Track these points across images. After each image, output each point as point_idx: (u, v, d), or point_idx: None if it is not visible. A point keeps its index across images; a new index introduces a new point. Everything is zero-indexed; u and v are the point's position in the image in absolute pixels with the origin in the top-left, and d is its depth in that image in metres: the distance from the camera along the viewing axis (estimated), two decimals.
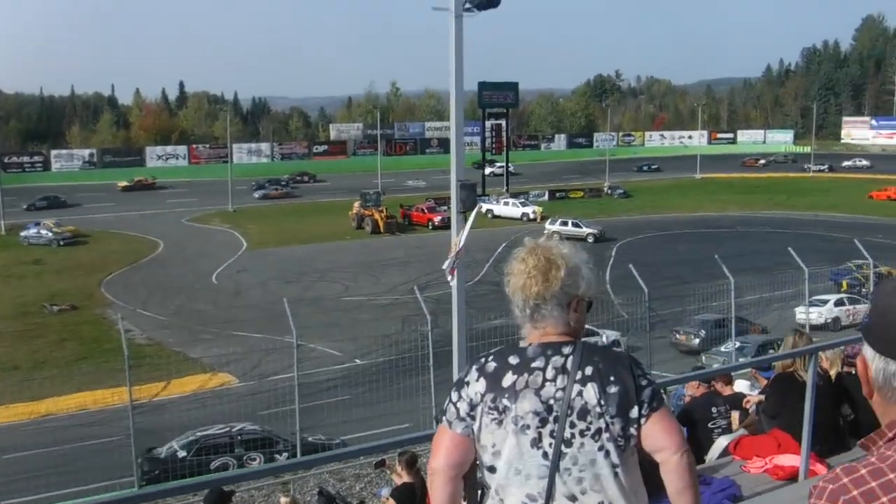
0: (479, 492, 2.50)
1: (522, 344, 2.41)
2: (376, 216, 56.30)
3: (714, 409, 6.18)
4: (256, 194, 74.54)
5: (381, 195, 60.49)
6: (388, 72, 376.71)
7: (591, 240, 49.66)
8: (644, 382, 2.34)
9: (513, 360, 2.35)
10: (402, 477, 7.91)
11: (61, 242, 53.16)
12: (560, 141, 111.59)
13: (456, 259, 13.79)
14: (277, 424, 19.32)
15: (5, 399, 25.53)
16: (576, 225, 51.61)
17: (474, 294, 22.99)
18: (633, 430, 2.30)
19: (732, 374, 7.71)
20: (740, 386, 7.76)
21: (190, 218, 63.76)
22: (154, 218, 63.29)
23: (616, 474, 2.29)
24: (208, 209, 67.29)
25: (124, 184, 75.68)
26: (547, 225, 51.56)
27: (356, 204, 58.63)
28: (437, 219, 55.89)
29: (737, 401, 6.30)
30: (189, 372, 27.54)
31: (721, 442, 5.67)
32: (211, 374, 27.77)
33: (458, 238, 13.69)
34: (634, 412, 2.29)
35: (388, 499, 7.98)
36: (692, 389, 6.94)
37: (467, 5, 13.20)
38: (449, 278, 14.05)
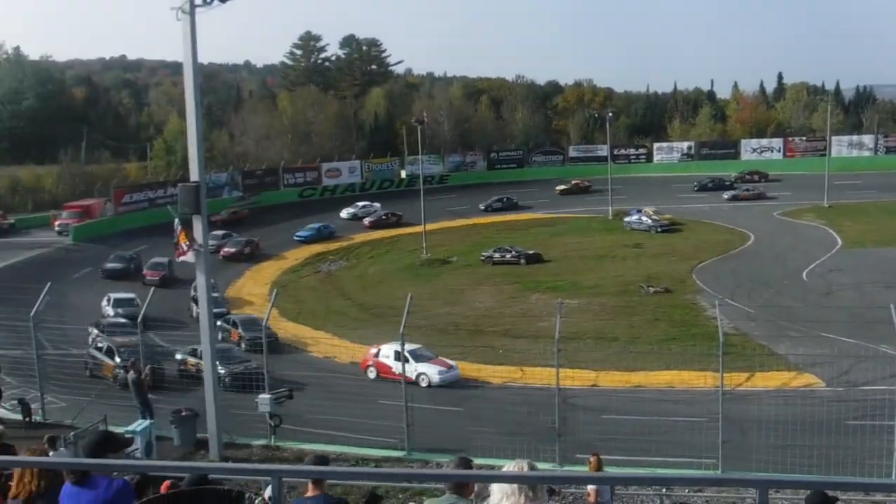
0: None
1: None
2: None
3: None
4: (725, 195, 70.68)
5: None
6: None
7: None
8: None
9: None
10: None
11: (659, 229, 57.53)
12: None
13: None
14: (869, 438, 18.37)
15: (606, 365, 29.04)
16: None
17: None
18: None
19: None
20: None
21: (782, 212, 62.91)
22: (745, 210, 64.02)
23: None
24: (802, 203, 65.44)
25: (560, 188, 77.20)
26: None
27: None
28: None
29: None
30: (774, 367, 27.75)
31: None
32: (796, 373, 27.55)
33: None
34: None
35: None
36: None
37: None
38: None
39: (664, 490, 13.74)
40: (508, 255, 50.54)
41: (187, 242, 16.62)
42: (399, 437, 18.70)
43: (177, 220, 17.12)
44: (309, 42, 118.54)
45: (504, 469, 5.02)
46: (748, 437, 19.69)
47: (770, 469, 16.80)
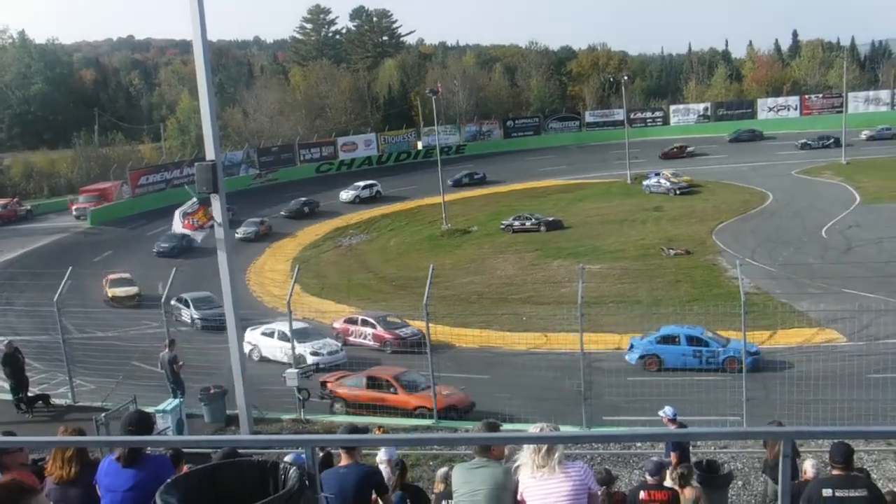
0: None
1: None
2: None
3: None
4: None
5: None
6: None
7: None
8: None
9: None
10: None
11: (677, 192, 57.56)
12: None
13: None
14: (891, 391, 18.71)
15: (630, 328, 29.26)
16: None
17: None
18: None
19: None
20: None
21: (800, 170, 62.66)
22: (763, 170, 63.79)
23: None
24: (819, 161, 65.14)
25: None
26: None
27: None
28: None
29: None
30: (795, 324, 28.07)
31: None
32: (818, 330, 27.81)
33: None
34: None
35: None
36: None
37: None
38: None
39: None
40: (528, 223, 50.80)
41: (202, 220, 16.86)
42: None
43: (194, 199, 17.19)
44: (318, 15, 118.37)
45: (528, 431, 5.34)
46: (772, 394, 20.07)
47: (793, 424, 17.18)
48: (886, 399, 17.78)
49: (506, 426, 16.08)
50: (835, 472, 6.66)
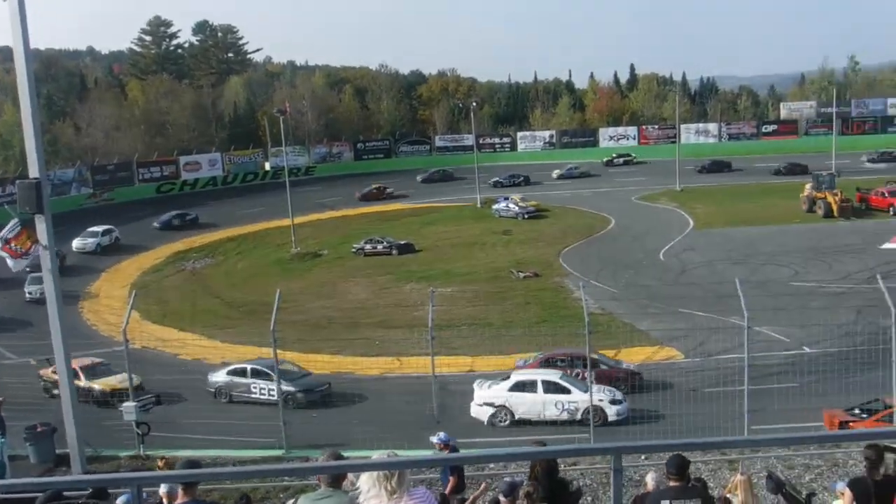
0: None
1: None
2: (830, 199, 52.53)
3: None
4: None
5: (835, 177, 56.11)
6: (845, 45, 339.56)
7: None
8: None
9: None
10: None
11: (526, 216, 59.01)
12: None
13: None
14: (723, 403, 19.65)
15: (482, 351, 29.54)
16: None
17: None
18: None
19: None
20: None
21: (639, 196, 65.85)
22: (606, 195, 66.52)
23: None
24: (656, 188, 68.74)
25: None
26: None
27: (808, 186, 55.35)
28: None
29: None
30: (638, 343, 29.10)
31: None
32: (658, 347, 29.03)
33: None
34: None
35: (843, 492, 7.65)
36: None
37: None
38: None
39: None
40: (380, 246, 50.57)
41: (22, 246, 15.28)
42: (278, 436, 18.49)
43: (15, 221, 15.62)
44: (159, 28, 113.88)
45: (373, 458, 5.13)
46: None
47: (637, 437, 17.74)
48: (720, 411, 18.62)
49: (351, 453, 15.69)
50: (671, 483, 6.94)
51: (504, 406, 22.42)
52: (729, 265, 40.33)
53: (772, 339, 27.09)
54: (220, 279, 47.98)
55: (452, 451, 11.63)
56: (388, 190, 72.21)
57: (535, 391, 22.54)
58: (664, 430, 18.23)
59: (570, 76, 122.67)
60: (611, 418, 21.77)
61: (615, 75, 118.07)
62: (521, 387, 22.67)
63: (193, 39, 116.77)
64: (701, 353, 26.99)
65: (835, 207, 51.97)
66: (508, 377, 23.23)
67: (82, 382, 24.91)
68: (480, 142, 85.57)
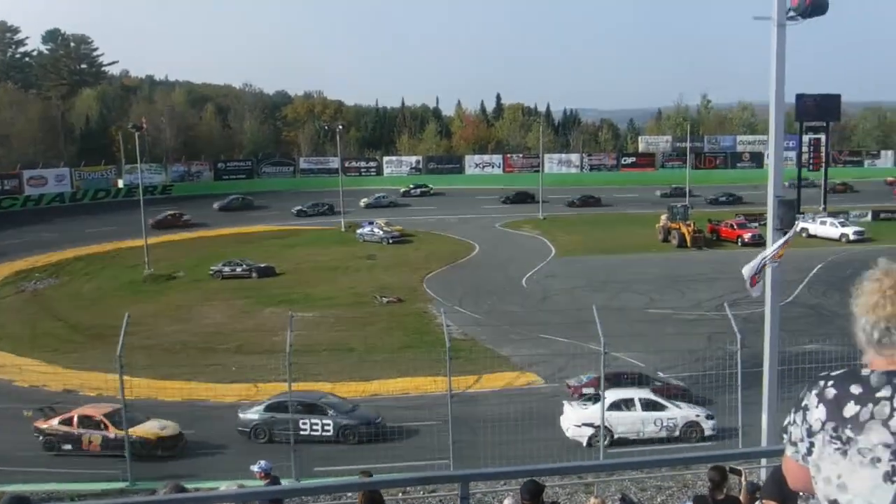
0: None
1: (864, 371, 2.23)
2: (683, 230, 55.29)
3: None
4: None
5: (689, 209, 59.20)
6: (698, 84, 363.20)
7: None
8: None
9: (855, 389, 2.20)
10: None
11: (390, 241, 58.74)
12: (887, 157, 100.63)
13: (760, 269, 13.50)
14: None
15: (343, 377, 28.96)
16: None
17: (787, 316, 21.96)
18: None
19: None
20: None
21: (503, 223, 67.00)
22: (471, 222, 67.34)
23: None
24: (519, 216, 70.19)
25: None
26: None
27: (663, 217, 58.06)
28: (747, 235, 53.67)
29: None
30: (499, 369, 29.22)
31: None
32: (519, 373, 29.23)
33: (770, 250, 13.42)
34: None
35: None
36: None
37: (791, 13, 12.73)
38: (748, 286, 13.76)
39: (400, 493, 13.83)
40: (239, 269, 48.91)
41: None
42: (124, 467, 17.32)
43: None
44: (4, 33, 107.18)
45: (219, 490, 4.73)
46: (478, 436, 20.55)
47: (499, 462, 17.62)
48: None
49: (200, 485, 14.82)
50: None
51: (602, 426, 21.21)
52: (589, 292, 41.33)
53: (628, 364, 27.75)
54: (65, 301, 44.98)
55: (273, 482, 11.12)
56: (185, 217, 67.54)
57: (634, 409, 22.51)
58: (521, 455, 18.17)
59: (437, 103, 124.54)
60: (707, 433, 22.08)
61: (482, 104, 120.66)
62: (618, 406, 22.34)
63: (43, 48, 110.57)
64: (560, 379, 27.35)
65: (688, 238, 54.64)
66: (595, 397, 22.37)
67: (111, 433, 21.68)
68: (346, 165, 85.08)
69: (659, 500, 14.28)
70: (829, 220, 57.56)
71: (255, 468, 11.46)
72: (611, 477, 14.56)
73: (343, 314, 39.34)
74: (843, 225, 57.54)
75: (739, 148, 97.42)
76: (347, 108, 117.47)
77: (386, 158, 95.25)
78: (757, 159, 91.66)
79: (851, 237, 55.25)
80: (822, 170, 63.07)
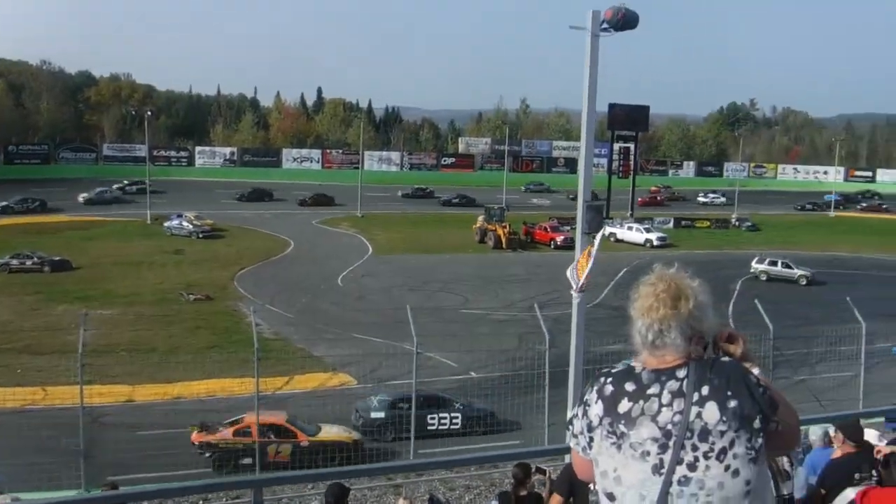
0: None
1: (637, 369, 2.39)
2: (499, 231, 56.77)
3: (857, 476, 5.35)
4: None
5: (505, 211, 60.91)
6: (518, 89, 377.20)
7: (803, 282, 47.10)
8: (761, 390, 2.33)
9: (629, 386, 2.34)
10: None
11: (200, 235, 56.35)
12: (689, 168, 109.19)
13: (584, 281, 13.95)
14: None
15: (143, 379, 27.31)
16: (786, 266, 48.17)
17: (593, 317, 22.92)
18: (760, 440, 2.28)
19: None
20: (869, 436, 7.49)
21: (320, 220, 66.06)
22: (287, 218, 65.91)
23: (748, 492, 2.25)
24: (338, 213, 69.51)
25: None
26: (754, 264, 48.62)
27: (480, 218, 59.39)
28: (559, 238, 55.99)
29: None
30: (311, 369, 28.63)
31: (848, 493, 5.36)
32: (332, 374, 28.75)
33: (590, 258, 13.83)
34: (758, 422, 2.28)
35: None
36: (838, 445, 6.28)
37: (605, 25, 13.22)
38: (573, 289, 14.17)
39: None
40: (29, 262, 45.00)
41: None
42: None
43: None
44: None
45: None
46: None
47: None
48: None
49: None
50: None
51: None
52: (405, 291, 41.41)
53: (442, 364, 27.98)
54: None
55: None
56: None
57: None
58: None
59: (255, 93, 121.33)
60: None
61: (302, 97, 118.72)
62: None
63: None
64: (373, 379, 27.12)
65: (503, 239, 56.04)
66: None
67: (303, 440, 20.39)
68: (154, 154, 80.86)
69: (467, 498, 14.31)
70: (635, 225, 61.14)
71: None
72: (420, 477, 14.51)
73: (146, 312, 37.19)
74: (647, 231, 61.40)
75: (555, 153, 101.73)
76: (158, 94, 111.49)
77: (199, 148, 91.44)
78: (571, 164, 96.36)
79: (655, 242, 59.11)
80: (631, 178, 66.61)
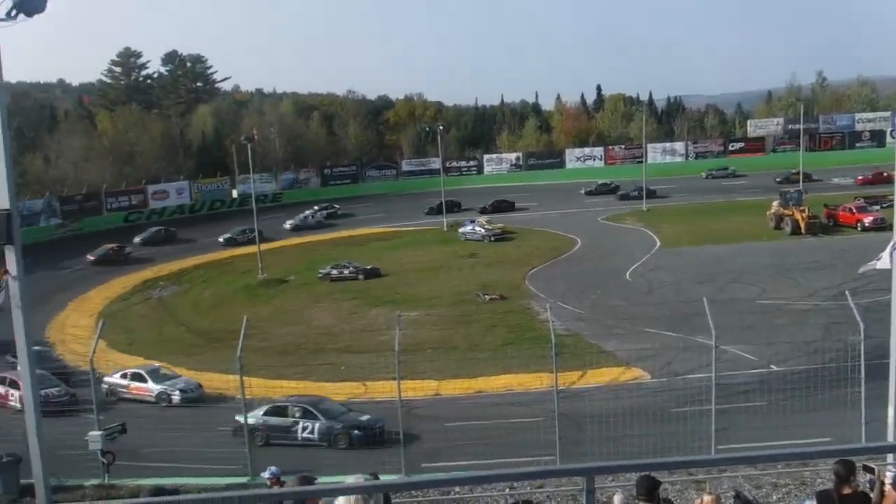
0: None
1: None
2: (797, 216, 53.08)
3: None
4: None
5: (802, 194, 56.79)
6: (812, 61, 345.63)
7: None
8: None
9: None
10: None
11: (492, 238, 59.07)
12: None
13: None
14: (691, 423, 19.56)
15: (447, 374, 29.38)
16: None
17: None
18: None
19: None
20: None
21: (605, 217, 66.23)
22: (573, 216, 66.87)
23: None
24: (623, 208, 69.21)
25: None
26: None
27: (775, 203, 55.86)
28: (867, 220, 51.19)
29: None
30: (604, 364, 28.96)
31: None
32: (625, 368, 28.88)
33: None
34: None
35: None
36: None
37: None
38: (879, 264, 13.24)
39: (507, 489, 14.05)
40: (346, 271, 50.25)
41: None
42: (243, 462, 18.14)
43: None
44: (128, 58, 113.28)
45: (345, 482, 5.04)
46: (584, 432, 20.52)
47: (603, 459, 17.59)
48: (687, 431, 18.53)
49: (324, 479, 15.43)
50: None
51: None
52: (695, 284, 40.40)
53: (739, 357, 26.95)
54: (187, 307, 47.41)
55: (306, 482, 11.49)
56: (127, 251, 62.03)
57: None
58: (631, 451, 18.08)
59: (536, 98, 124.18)
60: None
61: (582, 96, 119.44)
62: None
63: (163, 69, 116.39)
64: (668, 373, 26.90)
65: (802, 224, 52.34)
66: None
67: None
68: (447, 165, 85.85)
69: (775, 497, 13.86)
70: None
71: (265, 474, 11.79)
72: (723, 473, 14.29)
73: (446, 313, 39.82)
74: None
75: (858, 126, 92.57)
76: (447, 109, 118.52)
77: (486, 156, 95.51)
78: (878, 138, 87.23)
79: None
80: None
